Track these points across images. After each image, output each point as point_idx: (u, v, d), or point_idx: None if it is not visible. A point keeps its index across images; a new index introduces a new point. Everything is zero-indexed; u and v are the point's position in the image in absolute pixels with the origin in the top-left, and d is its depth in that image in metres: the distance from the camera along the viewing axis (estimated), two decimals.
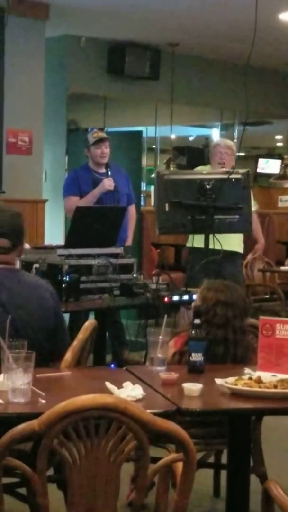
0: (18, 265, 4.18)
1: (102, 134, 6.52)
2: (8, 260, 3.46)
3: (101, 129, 10.48)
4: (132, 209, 6.68)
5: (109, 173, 6.36)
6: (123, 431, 2.40)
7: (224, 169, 6.02)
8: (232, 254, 6.23)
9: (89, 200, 6.26)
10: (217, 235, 5.49)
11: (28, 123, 8.25)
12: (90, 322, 3.50)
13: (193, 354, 3.20)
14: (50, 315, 3.38)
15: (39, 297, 3.39)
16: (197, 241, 5.84)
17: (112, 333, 6.48)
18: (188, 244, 6.34)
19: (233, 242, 6.19)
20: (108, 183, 6.29)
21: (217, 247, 5.40)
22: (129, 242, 6.57)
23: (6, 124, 8.07)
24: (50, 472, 2.98)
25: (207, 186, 5.43)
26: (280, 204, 12.09)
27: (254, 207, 6.69)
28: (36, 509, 2.50)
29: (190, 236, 6.30)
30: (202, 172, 6.09)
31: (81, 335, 3.40)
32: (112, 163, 6.50)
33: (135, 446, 2.42)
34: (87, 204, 6.16)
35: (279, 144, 17.13)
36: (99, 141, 6.40)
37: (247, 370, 3.16)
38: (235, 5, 7.85)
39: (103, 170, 6.42)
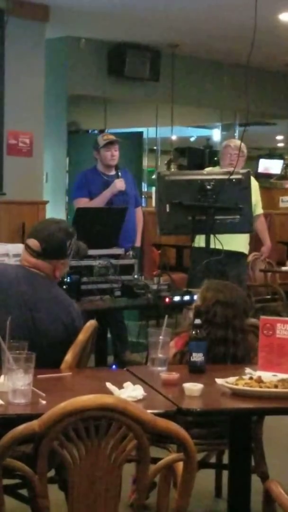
0: None
1: (112, 137, 6.58)
2: (35, 264, 3.50)
3: (103, 131, 10.55)
4: (139, 211, 6.73)
5: (120, 174, 6.40)
6: (123, 432, 2.40)
7: (222, 170, 6.02)
8: (237, 255, 6.23)
9: (100, 201, 6.30)
10: (224, 236, 5.50)
11: (28, 124, 8.25)
12: (91, 323, 3.49)
13: (193, 354, 3.21)
14: (61, 329, 3.40)
15: (57, 305, 3.43)
16: (202, 241, 5.84)
17: (115, 333, 6.48)
18: (195, 245, 6.35)
19: (238, 242, 6.19)
20: (119, 184, 6.35)
21: (219, 247, 5.40)
22: (138, 243, 6.62)
23: (7, 126, 8.07)
24: (52, 473, 2.98)
25: (208, 187, 5.43)
26: (281, 205, 12.09)
27: (260, 209, 6.70)
28: (37, 510, 2.49)
29: (197, 237, 6.30)
30: (203, 172, 6.09)
31: (82, 336, 3.40)
32: (120, 166, 6.54)
33: (135, 446, 2.42)
34: (98, 205, 6.20)
35: (280, 144, 17.13)
36: (109, 143, 6.45)
37: (248, 370, 3.16)
38: (235, 6, 7.84)
39: (111, 173, 6.46)
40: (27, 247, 3.55)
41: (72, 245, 3.58)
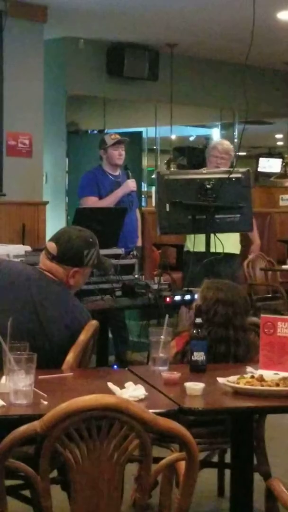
0: None
1: (119, 137, 6.60)
2: (50, 268, 3.49)
3: (102, 131, 10.56)
4: (138, 212, 6.76)
5: (130, 174, 6.46)
6: (125, 431, 2.40)
7: (222, 169, 6.03)
8: (229, 255, 6.22)
9: (111, 200, 6.33)
10: (203, 237, 5.51)
11: (28, 125, 8.26)
12: (92, 323, 3.49)
13: (195, 354, 3.21)
14: (67, 335, 3.40)
15: (65, 311, 3.42)
16: (192, 245, 5.87)
17: (116, 333, 6.49)
18: (186, 248, 6.38)
19: (230, 243, 6.18)
20: (132, 184, 6.43)
21: (217, 249, 5.42)
22: (140, 243, 6.67)
23: (6, 127, 8.07)
24: (54, 473, 2.98)
25: (208, 186, 5.44)
26: (281, 203, 12.10)
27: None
28: (39, 511, 2.50)
29: (187, 240, 6.33)
30: (202, 171, 6.10)
31: (83, 336, 3.40)
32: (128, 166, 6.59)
33: (137, 446, 2.42)
34: (109, 204, 6.22)
35: (280, 143, 17.14)
36: (118, 142, 6.47)
37: (249, 369, 3.16)
38: (233, 5, 7.85)
39: (117, 172, 6.51)
40: (45, 249, 3.55)
41: (92, 255, 3.55)
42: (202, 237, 5.62)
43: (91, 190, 6.46)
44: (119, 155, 6.48)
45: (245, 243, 7.11)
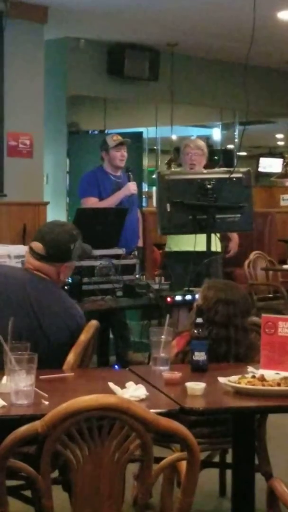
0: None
1: (121, 138, 6.58)
2: (39, 267, 3.50)
3: (103, 131, 10.56)
4: (139, 213, 6.76)
5: (131, 176, 6.44)
6: (126, 431, 2.40)
7: (222, 169, 6.04)
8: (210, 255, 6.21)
9: (112, 201, 6.32)
10: (186, 236, 5.52)
11: (28, 126, 8.25)
12: (92, 323, 3.49)
13: (196, 353, 3.21)
14: (66, 332, 3.41)
15: (61, 309, 3.44)
16: (175, 244, 5.89)
17: (117, 333, 6.49)
18: (167, 249, 6.39)
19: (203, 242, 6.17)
20: (133, 187, 6.40)
21: (198, 248, 5.43)
22: (140, 243, 6.68)
23: (7, 127, 8.07)
24: (55, 474, 2.98)
25: (208, 186, 5.44)
26: (282, 203, 12.10)
27: None
28: (41, 511, 2.49)
29: (168, 240, 6.34)
30: (203, 171, 6.10)
31: (83, 337, 3.40)
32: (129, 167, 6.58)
33: (138, 446, 2.41)
34: (110, 206, 6.21)
35: (280, 143, 17.14)
36: (120, 144, 6.46)
37: (250, 369, 3.16)
38: (233, 5, 7.84)
39: (118, 174, 6.48)
40: (31, 250, 3.55)
41: (76, 247, 3.58)
42: (185, 237, 5.64)
43: (91, 191, 6.46)
44: (121, 156, 6.47)
45: (256, 243, 7.10)
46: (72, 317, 3.44)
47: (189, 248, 5.65)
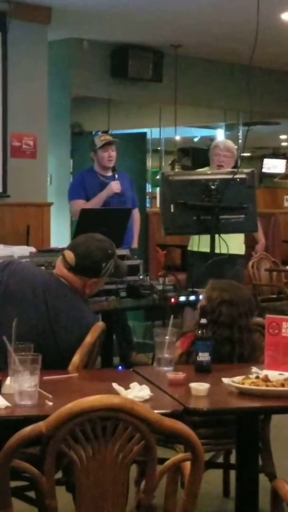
0: None
1: (109, 138, 6.53)
2: (67, 276, 3.49)
3: (106, 132, 10.55)
4: (136, 213, 6.69)
5: (116, 176, 6.38)
6: (130, 432, 2.40)
7: (226, 170, 6.02)
8: (234, 257, 6.22)
9: (96, 202, 6.27)
10: (218, 238, 5.49)
11: (32, 126, 8.26)
12: (98, 324, 3.49)
13: (200, 354, 3.20)
14: (77, 343, 3.40)
15: (78, 321, 3.43)
16: (197, 244, 5.86)
17: (119, 335, 6.48)
18: (189, 248, 6.37)
19: (234, 244, 6.17)
20: (115, 186, 6.31)
21: (222, 250, 5.41)
22: (134, 245, 6.59)
23: (11, 128, 8.08)
24: (59, 475, 2.98)
25: (212, 187, 5.43)
26: (286, 204, 12.09)
27: None
28: None
29: (191, 240, 6.32)
30: (207, 172, 6.09)
31: (89, 338, 3.40)
32: (118, 167, 6.51)
33: (142, 447, 2.41)
34: (94, 207, 6.17)
35: (284, 144, 17.14)
36: (106, 144, 6.40)
37: (254, 369, 3.15)
38: (237, 6, 7.84)
39: (109, 174, 6.43)
40: (63, 257, 3.54)
41: (110, 266, 3.55)
42: (206, 237, 5.61)
43: (77, 193, 6.43)
44: (108, 156, 6.40)
45: (251, 243, 7.09)
46: (87, 328, 3.42)
47: (205, 249, 5.62)
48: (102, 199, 6.29)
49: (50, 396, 2.76)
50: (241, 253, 6.54)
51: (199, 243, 5.73)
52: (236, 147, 6.62)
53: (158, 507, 3.27)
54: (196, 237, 6.00)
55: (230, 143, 6.57)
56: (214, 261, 5.40)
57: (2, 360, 2.98)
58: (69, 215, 9.67)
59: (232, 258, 6.08)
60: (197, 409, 2.77)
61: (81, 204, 6.27)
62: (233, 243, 6.02)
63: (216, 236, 5.51)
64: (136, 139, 10.18)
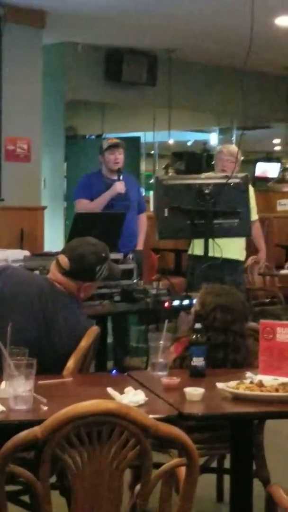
0: None
1: (116, 140, 6.60)
2: (61, 280, 3.50)
3: (99, 135, 10.56)
4: (143, 217, 6.74)
5: (121, 177, 6.41)
6: (125, 437, 2.40)
7: (220, 174, 6.03)
8: (234, 262, 6.22)
9: (99, 202, 6.32)
10: (221, 243, 5.50)
11: (26, 130, 8.26)
12: (93, 329, 3.49)
13: (194, 359, 3.21)
14: (72, 348, 3.41)
15: (73, 326, 3.43)
16: (197, 248, 5.86)
17: (117, 338, 6.48)
18: (189, 252, 6.37)
19: (234, 250, 6.17)
20: (119, 187, 6.37)
21: (217, 254, 5.40)
22: (140, 246, 6.67)
23: (5, 132, 8.08)
24: (53, 479, 2.98)
25: (206, 191, 5.43)
26: (279, 208, 12.07)
27: (255, 215, 6.68)
28: None
29: (191, 243, 6.33)
30: (201, 176, 6.10)
31: (84, 342, 3.40)
32: (124, 172, 6.55)
33: (137, 452, 2.41)
34: (98, 207, 6.23)
35: (277, 148, 17.14)
36: (113, 146, 6.46)
37: (248, 374, 3.16)
38: (231, 10, 7.85)
39: (115, 177, 6.47)
40: (57, 262, 3.54)
41: (104, 269, 3.56)
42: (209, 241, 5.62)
43: (83, 192, 6.48)
44: (115, 159, 6.45)
45: (251, 250, 7.09)
46: (82, 333, 3.43)
47: (211, 253, 5.62)
48: (105, 199, 6.34)
49: (45, 400, 2.76)
50: (242, 259, 6.55)
51: (200, 247, 5.73)
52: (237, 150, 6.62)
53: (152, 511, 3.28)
54: (197, 241, 6.01)
55: (233, 148, 6.58)
56: (214, 266, 5.40)
57: None
58: (63, 219, 9.70)
59: (233, 263, 6.09)
60: (191, 414, 2.77)
61: (86, 203, 6.34)
62: (234, 248, 6.03)
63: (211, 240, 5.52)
64: (130, 143, 10.17)
